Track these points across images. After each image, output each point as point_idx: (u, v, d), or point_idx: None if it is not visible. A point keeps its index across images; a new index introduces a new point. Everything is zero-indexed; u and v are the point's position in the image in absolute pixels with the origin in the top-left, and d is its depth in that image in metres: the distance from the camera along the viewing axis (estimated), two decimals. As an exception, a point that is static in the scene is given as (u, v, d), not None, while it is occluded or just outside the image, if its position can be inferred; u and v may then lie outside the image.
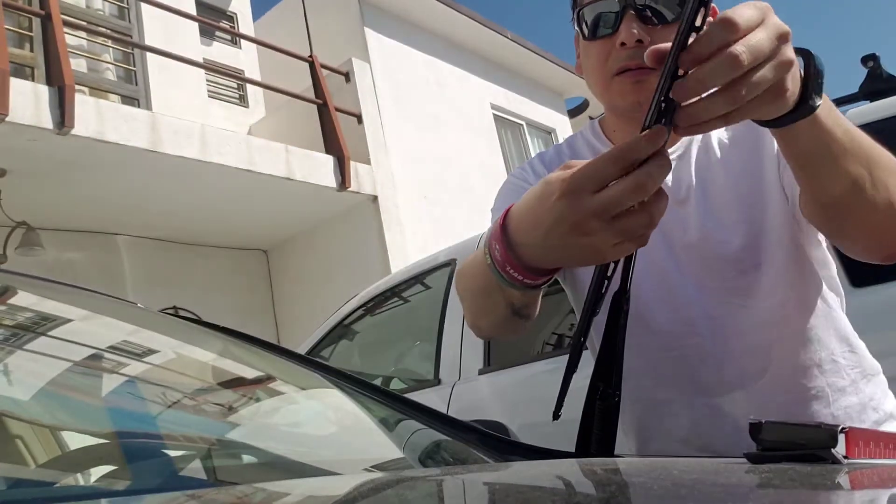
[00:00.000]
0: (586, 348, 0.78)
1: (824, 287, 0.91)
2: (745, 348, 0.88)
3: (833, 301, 0.92)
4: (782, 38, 0.55)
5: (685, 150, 0.92)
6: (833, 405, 0.88)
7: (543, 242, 0.60)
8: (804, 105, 0.61)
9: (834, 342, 0.90)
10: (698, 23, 0.54)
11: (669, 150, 0.91)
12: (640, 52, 0.83)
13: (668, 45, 0.55)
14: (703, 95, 0.55)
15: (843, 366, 0.90)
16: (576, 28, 0.92)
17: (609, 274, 0.69)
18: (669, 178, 0.91)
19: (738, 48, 0.52)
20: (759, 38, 0.53)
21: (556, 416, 0.73)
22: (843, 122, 0.68)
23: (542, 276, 0.66)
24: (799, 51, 0.61)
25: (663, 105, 0.56)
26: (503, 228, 0.65)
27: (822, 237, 0.90)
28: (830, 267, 0.93)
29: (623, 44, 0.84)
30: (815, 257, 0.90)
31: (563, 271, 0.98)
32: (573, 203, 0.56)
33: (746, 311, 0.88)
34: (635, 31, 0.83)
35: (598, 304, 0.69)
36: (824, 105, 0.63)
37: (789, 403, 0.88)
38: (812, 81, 0.60)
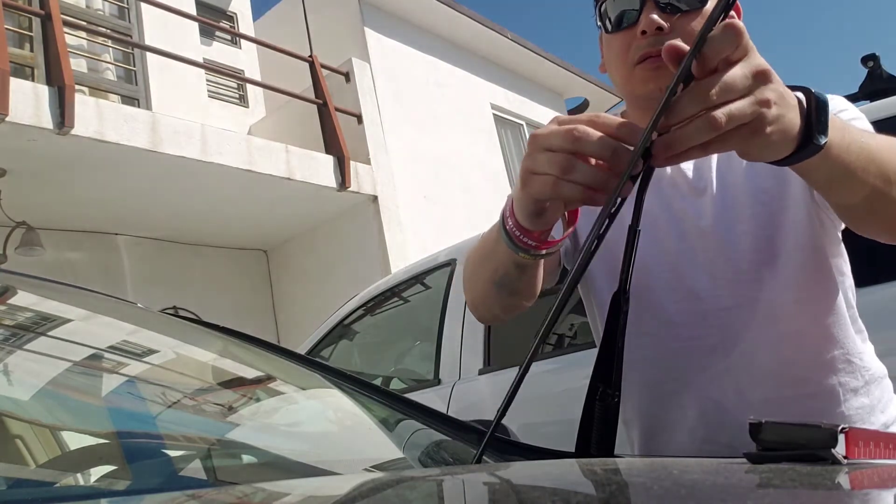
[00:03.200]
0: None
1: (844, 286, 0.91)
2: (757, 342, 0.88)
3: (852, 300, 0.92)
4: (759, 77, 0.57)
5: None
6: (844, 404, 0.88)
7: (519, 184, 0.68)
8: (809, 144, 0.61)
9: (849, 342, 0.89)
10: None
11: None
12: (662, 39, 0.83)
13: (685, 46, 0.57)
14: (682, 124, 0.57)
15: (857, 366, 0.89)
16: (598, 24, 0.93)
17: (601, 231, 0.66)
18: (690, 169, 0.92)
19: (713, 80, 0.56)
20: (733, 75, 0.56)
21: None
22: (856, 137, 0.68)
23: (540, 241, 0.72)
24: (798, 88, 0.62)
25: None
26: None
27: (840, 234, 0.90)
28: (848, 265, 0.93)
29: (644, 32, 0.85)
30: (835, 253, 0.90)
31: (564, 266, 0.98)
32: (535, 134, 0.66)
33: (759, 305, 0.87)
34: (655, 17, 0.84)
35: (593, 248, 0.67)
36: (834, 133, 0.63)
37: (799, 400, 0.88)
38: (814, 118, 0.60)
